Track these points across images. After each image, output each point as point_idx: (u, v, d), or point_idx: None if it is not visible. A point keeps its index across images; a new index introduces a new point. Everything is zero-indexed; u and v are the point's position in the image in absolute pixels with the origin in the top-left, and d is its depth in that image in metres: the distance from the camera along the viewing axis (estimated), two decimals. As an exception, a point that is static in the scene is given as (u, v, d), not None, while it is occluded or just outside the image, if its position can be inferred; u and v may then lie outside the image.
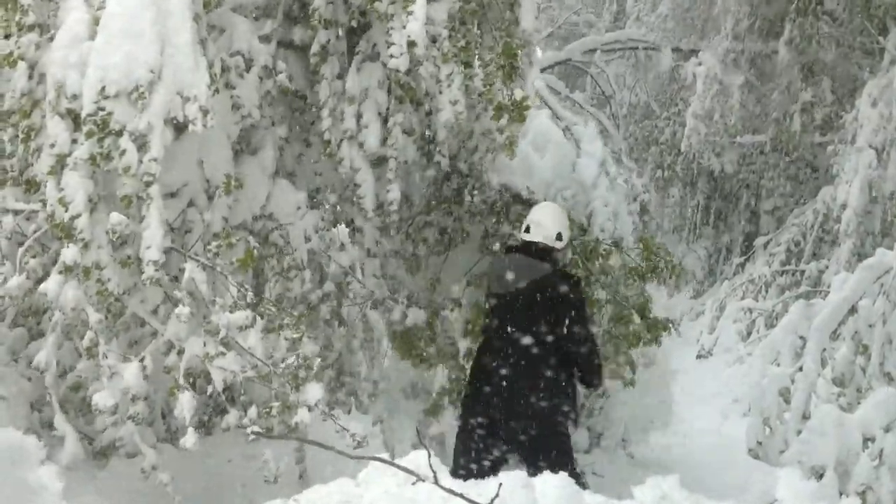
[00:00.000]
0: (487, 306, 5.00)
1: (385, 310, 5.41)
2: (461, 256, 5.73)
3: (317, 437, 4.94)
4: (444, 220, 5.63)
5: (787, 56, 12.22)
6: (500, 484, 2.71)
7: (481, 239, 5.70)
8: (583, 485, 4.56)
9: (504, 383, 4.74)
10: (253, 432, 3.20)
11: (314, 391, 3.99)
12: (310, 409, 3.94)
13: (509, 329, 4.78)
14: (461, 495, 2.70)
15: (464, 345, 5.62)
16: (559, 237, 4.94)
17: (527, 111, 4.87)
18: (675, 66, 14.90)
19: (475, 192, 5.50)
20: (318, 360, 4.17)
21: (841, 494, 4.30)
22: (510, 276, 4.81)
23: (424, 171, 5.39)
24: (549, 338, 4.74)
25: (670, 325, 5.94)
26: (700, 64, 13.07)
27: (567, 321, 4.76)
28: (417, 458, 2.87)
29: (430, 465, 2.79)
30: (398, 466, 2.88)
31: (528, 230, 4.94)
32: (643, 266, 5.81)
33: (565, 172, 5.95)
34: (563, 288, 4.79)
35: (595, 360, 4.90)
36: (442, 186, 5.58)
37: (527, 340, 4.73)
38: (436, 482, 2.76)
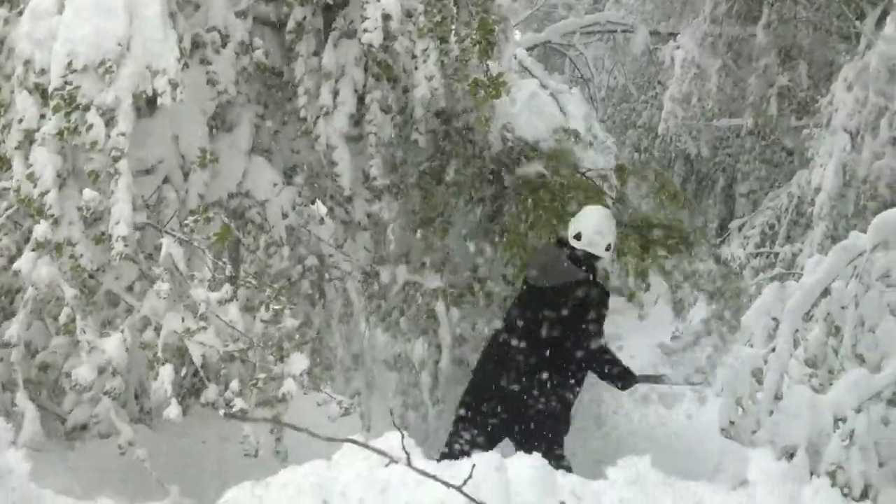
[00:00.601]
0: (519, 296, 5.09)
1: (367, 284, 5.38)
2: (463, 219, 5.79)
3: (296, 410, 4.95)
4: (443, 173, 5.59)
5: (765, 40, 12.24)
6: (473, 465, 2.71)
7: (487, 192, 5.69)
8: (569, 468, 4.62)
9: (510, 372, 4.89)
10: (226, 414, 3.17)
11: (299, 361, 3.99)
12: (295, 379, 3.93)
13: (530, 321, 4.91)
14: (434, 477, 2.70)
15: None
16: (608, 248, 5.05)
17: (503, 87, 4.87)
18: (653, 49, 14.89)
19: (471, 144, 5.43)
20: (298, 336, 4.17)
21: (812, 475, 4.34)
22: (549, 271, 4.92)
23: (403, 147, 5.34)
24: (566, 338, 4.89)
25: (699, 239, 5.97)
26: (678, 47, 13.05)
27: (585, 325, 4.90)
28: (391, 440, 2.86)
29: (404, 447, 2.79)
30: (371, 448, 2.87)
31: (578, 237, 4.97)
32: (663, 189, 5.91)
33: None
34: (593, 296, 4.92)
35: (608, 356, 5.03)
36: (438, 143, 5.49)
37: (543, 334, 4.87)
38: (409, 464, 2.75)
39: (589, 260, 5.00)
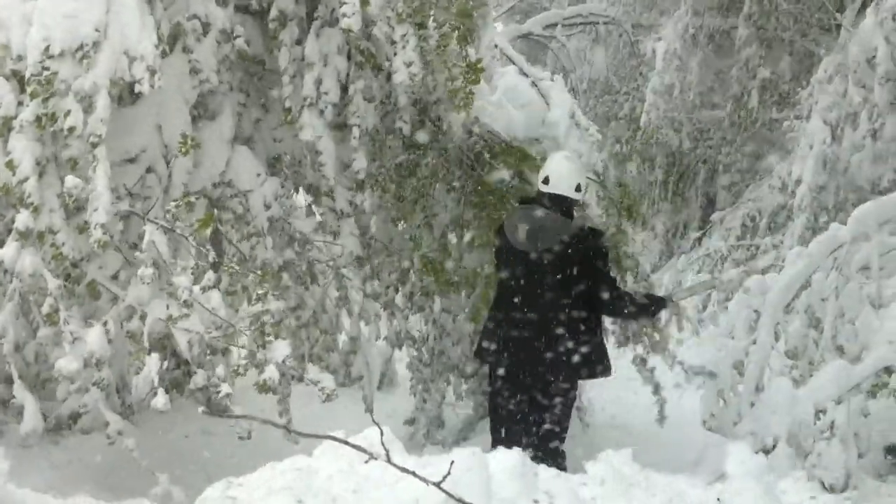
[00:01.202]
0: (501, 259, 4.95)
1: (359, 267, 5.37)
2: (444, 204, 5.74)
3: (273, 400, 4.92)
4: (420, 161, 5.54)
5: (746, 32, 12.28)
6: (452, 462, 2.71)
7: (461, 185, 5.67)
8: (562, 464, 4.64)
9: (525, 337, 4.78)
10: (204, 411, 3.16)
11: (281, 348, 3.99)
12: (277, 366, 3.94)
13: (530, 285, 4.79)
14: (413, 473, 2.70)
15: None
16: (578, 188, 4.92)
17: (482, 73, 4.87)
18: (634, 41, 14.91)
19: (443, 136, 5.39)
20: (290, 319, 4.16)
21: (792, 466, 4.37)
22: (538, 233, 4.77)
23: (387, 138, 5.31)
24: (574, 291, 4.79)
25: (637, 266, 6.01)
26: (660, 39, 13.10)
27: (593, 274, 4.82)
28: (371, 436, 2.86)
29: (383, 444, 2.79)
30: (351, 445, 2.86)
31: (546, 181, 4.87)
32: (622, 202, 5.89)
33: (535, 126, 5.95)
34: (593, 244, 4.83)
35: (624, 296, 4.99)
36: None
37: (550, 296, 4.77)
38: (388, 460, 2.75)
39: (566, 205, 4.89)
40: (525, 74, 6.20)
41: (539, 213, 4.84)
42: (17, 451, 4.17)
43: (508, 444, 4.23)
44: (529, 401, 4.92)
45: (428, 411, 6.24)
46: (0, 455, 2.99)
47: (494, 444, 4.87)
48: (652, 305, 5.21)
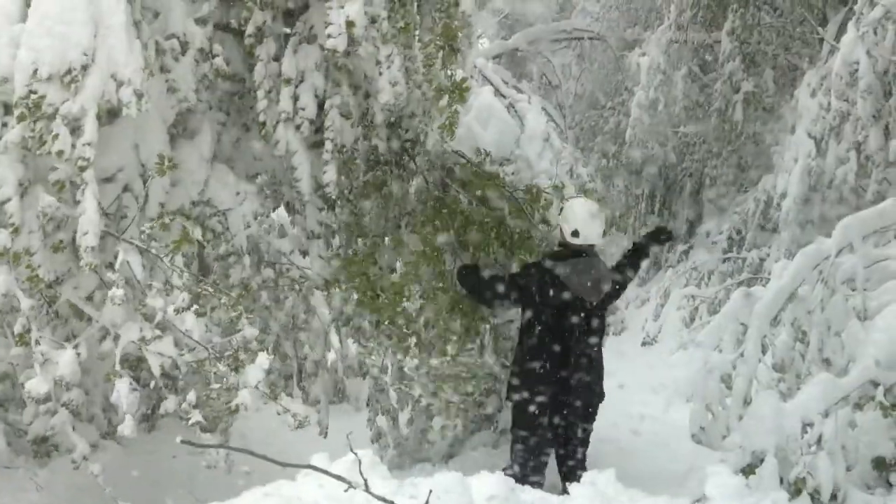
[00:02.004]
0: (548, 307, 5.24)
1: (327, 291, 5.34)
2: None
3: (259, 421, 4.87)
4: (388, 181, 5.48)
5: (730, 46, 12.38)
6: (430, 491, 2.70)
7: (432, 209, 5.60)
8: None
9: (582, 373, 5.26)
10: (182, 441, 3.13)
11: (255, 373, 3.97)
12: (250, 391, 3.91)
13: (587, 327, 5.29)
14: (392, 502, 2.69)
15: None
16: (603, 234, 5.45)
17: (467, 92, 4.88)
18: (619, 56, 14.99)
19: (416, 156, 5.38)
20: (255, 344, 4.14)
21: (782, 480, 4.36)
22: (600, 283, 5.28)
23: (364, 154, 5.26)
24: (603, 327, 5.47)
25: None
26: (644, 54, 13.17)
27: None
28: (351, 463, 2.84)
29: (361, 473, 2.78)
30: (330, 475, 2.85)
31: (576, 234, 5.28)
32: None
33: (508, 147, 5.97)
34: (619, 281, 5.51)
35: (627, 273, 5.67)
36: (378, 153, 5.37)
37: (598, 334, 5.38)
38: (367, 489, 2.74)
39: (596, 254, 5.38)
40: (502, 95, 6.21)
41: (593, 264, 5.33)
42: (2, 472, 4.13)
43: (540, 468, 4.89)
44: (573, 428, 5.38)
45: (393, 433, 6.20)
46: (-19, 477, 2.93)
47: (523, 477, 5.17)
48: (647, 247, 5.80)
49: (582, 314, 5.31)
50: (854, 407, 4.79)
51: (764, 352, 5.60)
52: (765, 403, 4.59)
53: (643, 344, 11.54)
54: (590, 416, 5.43)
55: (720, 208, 13.17)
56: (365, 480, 2.70)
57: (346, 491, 2.74)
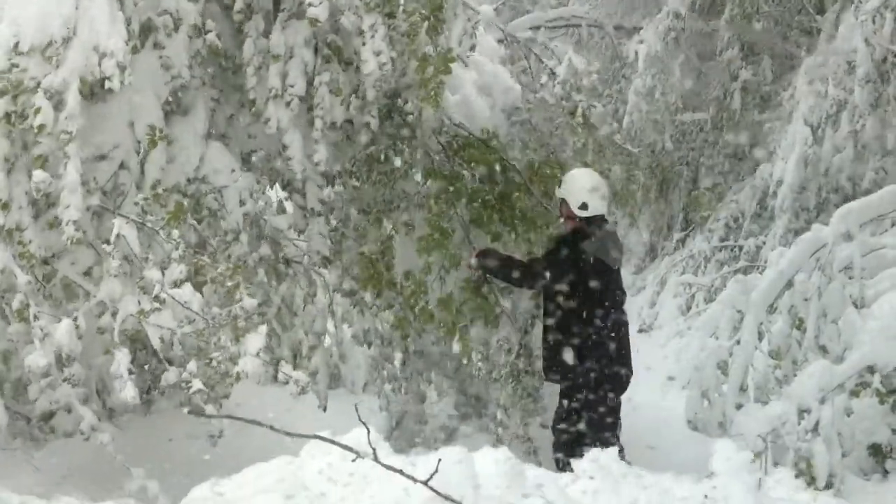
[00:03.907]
0: (585, 275, 5.21)
1: (332, 266, 5.32)
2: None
3: (259, 399, 4.87)
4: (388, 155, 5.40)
5: (727, 34, 12.35)
6: (439, 460, 2.70)
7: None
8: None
9: (612, 347, 5.25)
10: (189, 411, 3.14)
11: (255, 341, 3.97)
12: (251, 359, 3.92)
13: (609, 298, 5.28)
14: (400, 471, 2.68)
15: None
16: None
17: (452, 62, 4.84)
18: (617, 44, 14.94)
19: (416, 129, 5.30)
20: (256, 316, 4.14)
21: (776, 465, 4.38)
22: (614, 253, 5.33)
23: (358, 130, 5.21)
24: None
25: None
26: (641, 42, 13.12)
27: None
28: (358, 436, 2.84)
29: (370, 443, 2.77)
30: (338, 444, 2.85)
31: (585, 207, 5.26)
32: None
33: (510, 117, 5.94)
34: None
35: None
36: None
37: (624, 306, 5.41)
38: (375, 459, 2.74)
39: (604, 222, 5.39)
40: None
41: (612, 233, 5.46)
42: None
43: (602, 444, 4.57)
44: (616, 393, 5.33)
45: (392, 412, 6.19)
46: (-23, 455, 2.92)
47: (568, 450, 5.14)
48: None
49: (610, 280, 5.32)
50: (850, 394, 4.81)
51: (760, 339, 5.62)
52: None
53: (640, 331, 11.54)
54: (626, 384, 5.39)
55: (717, 196, 13.17)
56: (374, 449, 2.70)
57: (353, 461, 2.74)
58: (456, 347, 5.35)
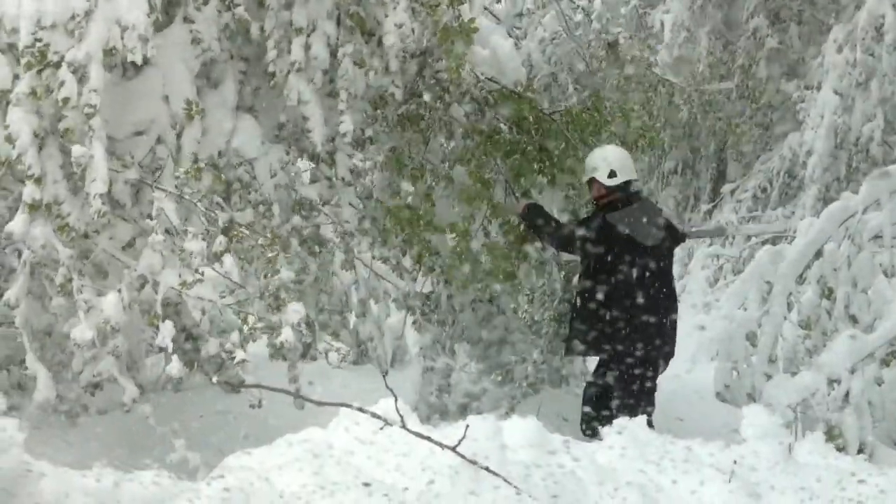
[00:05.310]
0: (621, 254, 5.20)
1: (364, 234, 5.34)
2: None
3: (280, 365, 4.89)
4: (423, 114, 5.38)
5: (755, 2, 12.18)
6: (467, 426, 2.72)
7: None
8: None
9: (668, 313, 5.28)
10: (218, 381, 3.17)
11: (295, 311, 4.01)
12: (293, 328, 3.96)
13: (661, 272, 5.31)
14: (428, 438, 2.71)
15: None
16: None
17: (475, 32, 4.83)
18: (642, 13, 14.78)
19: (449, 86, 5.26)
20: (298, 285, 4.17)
21: (806, 432, 4.37)
22: (648, 228, 5.24)
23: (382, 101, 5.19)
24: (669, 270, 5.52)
25: None
26: (668, 11, 12.99)
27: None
28: (385, 406, 2.87)
29: (398, 410, 2.80)
30: (366, 412, 2.87)
31: (613, 175, 5.23)
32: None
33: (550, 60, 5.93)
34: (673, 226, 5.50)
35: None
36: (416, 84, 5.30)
37: (670, 279, 5.45)
38: (403, 426, 2.76)
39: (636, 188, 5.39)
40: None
41: (648, 207, 5.38)
42: (33, 433, 4.18)
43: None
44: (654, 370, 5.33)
45: (434, 378, 6.20)
46: (15, 427, 2.94)
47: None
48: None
49: (654, 259, 5.27)
50: (881, 363, 4.79)
51: (789, 309, 5.59)
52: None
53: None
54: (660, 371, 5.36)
55: (744, 166, 13.05)
56: (401, 416, 2.73)
57: (381, 429, 2.76)
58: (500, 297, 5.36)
